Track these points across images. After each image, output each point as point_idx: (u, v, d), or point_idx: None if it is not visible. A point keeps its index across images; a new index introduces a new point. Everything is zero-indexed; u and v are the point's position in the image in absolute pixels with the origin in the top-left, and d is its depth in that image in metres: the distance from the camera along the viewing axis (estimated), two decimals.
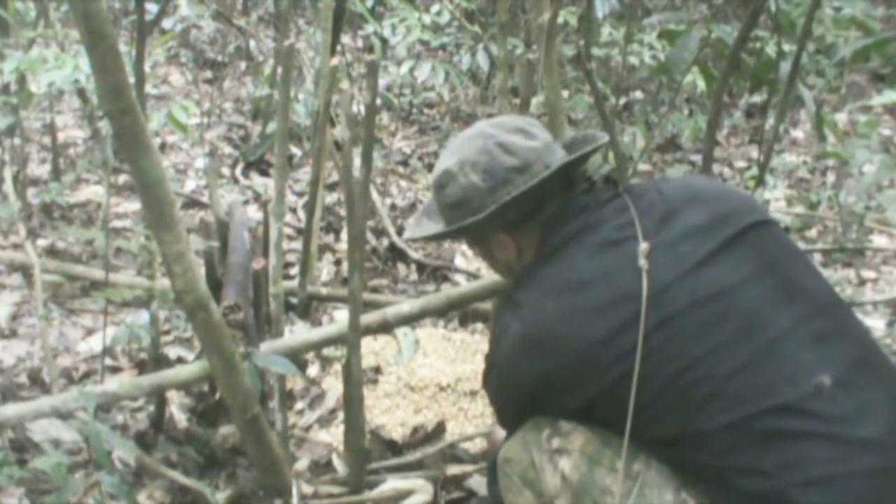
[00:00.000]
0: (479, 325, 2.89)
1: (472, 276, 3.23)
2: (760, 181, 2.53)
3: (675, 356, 1.30)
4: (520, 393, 1.49)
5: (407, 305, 2.17)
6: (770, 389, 1.27)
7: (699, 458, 1.30)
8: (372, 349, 2.58)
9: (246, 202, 3.66)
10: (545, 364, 1.40)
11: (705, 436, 1.28)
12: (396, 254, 3.40)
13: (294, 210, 3.68)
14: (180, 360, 2.42)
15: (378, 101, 2.16)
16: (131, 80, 1.51)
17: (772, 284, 1.34)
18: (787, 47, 2.85)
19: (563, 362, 1.38)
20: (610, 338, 1.33)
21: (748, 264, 1.36)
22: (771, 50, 2.37)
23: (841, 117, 4.75)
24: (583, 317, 1.36)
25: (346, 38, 4.93)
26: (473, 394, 2.47)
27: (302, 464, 2.16)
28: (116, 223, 3.47)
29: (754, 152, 4.44)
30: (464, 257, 3.45)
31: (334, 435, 2.29)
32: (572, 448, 1.42)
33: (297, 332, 2.48)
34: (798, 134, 4.94)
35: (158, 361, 2.21)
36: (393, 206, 3.84)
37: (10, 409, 1.78)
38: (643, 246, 1.36)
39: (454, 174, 1.53)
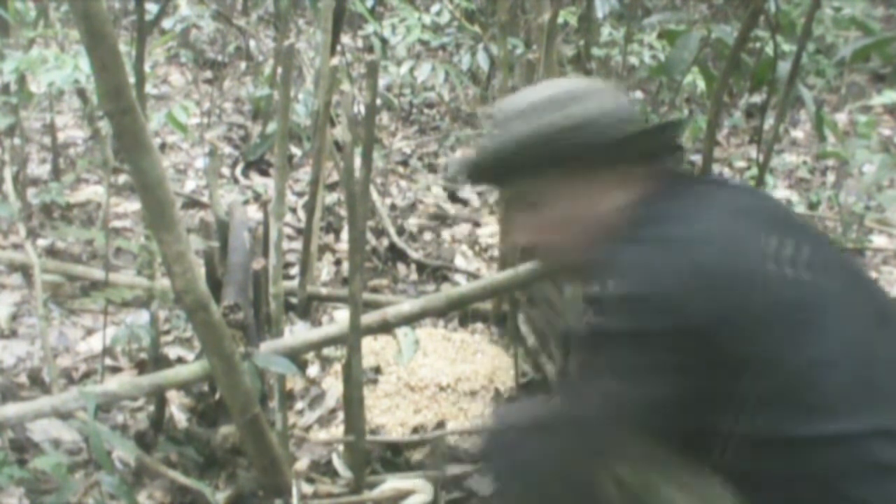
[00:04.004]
0: (479, 325, 2.89)
1: (472, 276, 3.23)
2: (760, 181, 2.53)
3: (791, 354, 1.19)
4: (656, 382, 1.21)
5: (407, 305, 2.17)
6: (877, 411, 1.18)
7: (790, 466, 1.18)
8: (372, 349, 2.58)
9: (246, 202, 3.66)
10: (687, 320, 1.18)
11: (803, 445, 1.17)
12: (396, 254, 3.40)
13: (294, 210, 3.68)
14: (180, 360, 2.42)
15: (378, 101, 2.16)
16: (131, 80, 1.51)
17: (871, 307, 1.28)
18: (786, 47, 2.86)
19: (719, 314, 1.18)
20: (741, 311, 1.17)
21: (849, 283, 1.29)
22: (771, 50, 2.36)
23: (841, 117, 4.75)
24: (725, 279, 1.19)
25: (346, 38, 4.92)
26: (473, 394, 2.47)
27: (302, 464, 2.16)
28: (116, 223, 3.47)
29: (754, 152, 4.43)
30: (464, 257, 3.45)
31: (334, 435, 2.29)
32: (632, 456, 1.26)
33: (297, 332, 2.48)
34: (798, 134, 4.94)
35: (158, 361, 2.21)
36: (393, 206, 3.84)
37: (10, 409, 1.78)
38: (772, 240, 1.24)
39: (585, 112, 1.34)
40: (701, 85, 3.49)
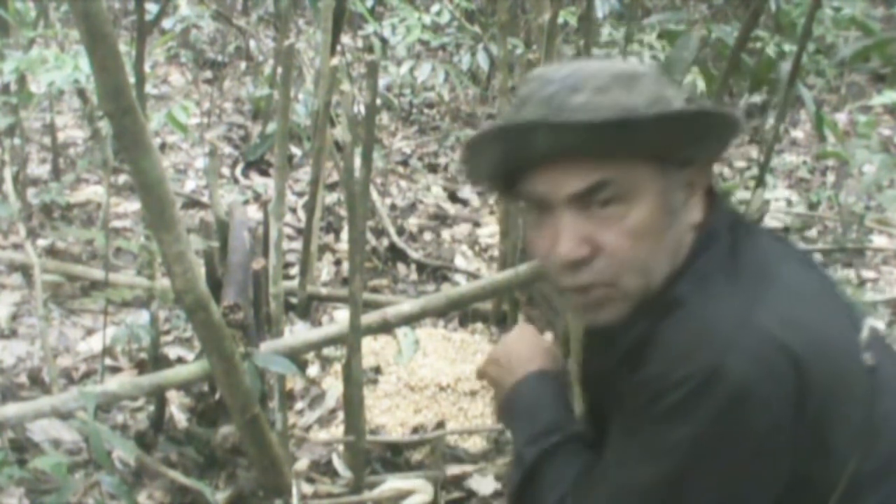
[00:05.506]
0: (479, 325, 2.89)
1: (472, 276, 3.23)
2: (760, 181, 2.53)
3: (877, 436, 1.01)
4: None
5: (407, 305, 2.17)
6: None
7: None
8: (372, 349, 2.58)
9: (246, 202, 3.66)
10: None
11: None
12: (396, 254, 3.40)
13: (294, 210, 3.68)
14: (180, 360, 2.42)
15: (378, 101, 2.16)
16: (131, 80, 1.51)
17: None
18: (787, 47, 2.86)
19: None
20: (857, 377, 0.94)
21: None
22: (771, 50, 2.37)
23: (841, 117, 4.75)
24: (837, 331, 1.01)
25: (346, 38, 4.92)
26: (473, 394, 2.47)
27: (302, 464, 2.16)
28: (116, 223, 3.47)
29: (754, 152, 4.44)
30: (464, 257, 3.45)
31: (334, 435, 2.29)
32: None
33: (297, 332, 2.48)
34: (798, 134, 4.94)
35: (158, 361, 2.21)
36: (393, 206, 3.84)
37: (10, 409, 1.78)
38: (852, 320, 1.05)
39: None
40: (701, 85, 3.49)
